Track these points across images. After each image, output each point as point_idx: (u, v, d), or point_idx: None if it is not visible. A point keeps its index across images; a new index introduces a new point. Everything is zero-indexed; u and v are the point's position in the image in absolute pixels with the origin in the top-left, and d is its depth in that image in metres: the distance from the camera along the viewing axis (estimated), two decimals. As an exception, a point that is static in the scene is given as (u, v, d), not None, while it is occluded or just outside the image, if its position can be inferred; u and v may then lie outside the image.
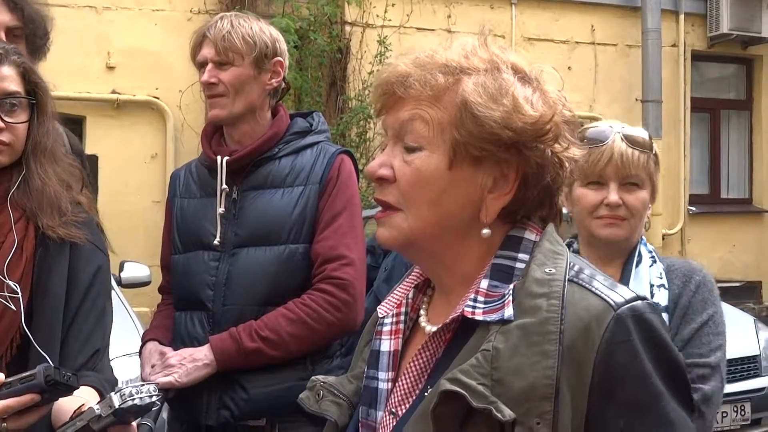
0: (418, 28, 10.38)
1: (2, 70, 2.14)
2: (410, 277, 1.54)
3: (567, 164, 1.40)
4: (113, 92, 9.25)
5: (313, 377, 1.59)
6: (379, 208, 1.44)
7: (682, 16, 11.57)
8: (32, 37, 2.83)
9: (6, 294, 2.11)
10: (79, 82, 8.51)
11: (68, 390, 1.89)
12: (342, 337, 2.78)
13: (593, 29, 11.26)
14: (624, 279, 2.35)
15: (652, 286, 2.37)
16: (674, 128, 11.43)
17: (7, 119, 2.13)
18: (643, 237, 2.48)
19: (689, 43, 11.74)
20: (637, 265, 2.40)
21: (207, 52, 2.75)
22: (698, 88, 12.02)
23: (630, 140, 2.35)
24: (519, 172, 1.37)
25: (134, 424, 1.88)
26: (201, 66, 2.78)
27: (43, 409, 1.91)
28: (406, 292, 1.52)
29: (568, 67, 10.96)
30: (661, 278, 2.39)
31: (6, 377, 1.89)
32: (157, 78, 9.34)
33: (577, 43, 11.20)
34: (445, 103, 1.36)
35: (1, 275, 2.11)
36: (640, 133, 2.41)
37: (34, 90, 2.20)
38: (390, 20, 9.98)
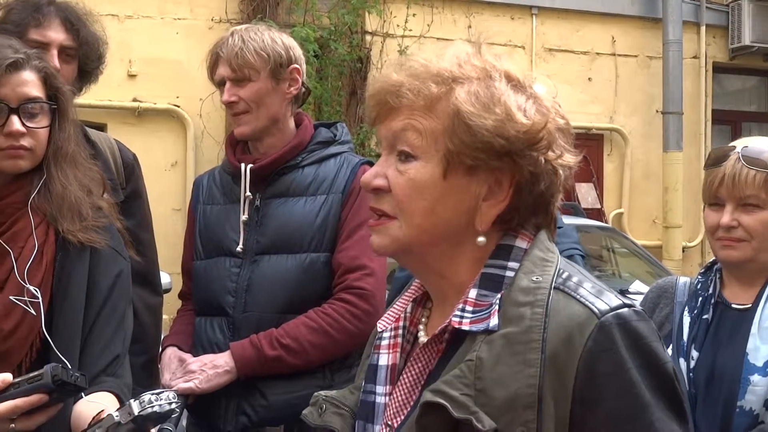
0: (438, 38, 10.37)
1: (24, 75, 2.14)
2: (409, 291, 1.54)
3: (561, 171, 1.39)
4: (134, 100, 9.31)
5: (315, 393, 1.59)
6: None
7: (703, 28, 11.53)
8: (85, 59, 2.85)
9: (26, 298, 2.10)
10: (101, 90, 8.49)
11: (76, 390, 1.89)
12: (362, 347, 2.76)
13: (614, 40, 11.24)
14: (756, 303, 2.28)
15: None
16: (695, 140, 11.38)
17: (28, 124, 2.13)
18: None
19: (710, 54, 11.69)
20: None
21: (223, 71, 2.76)
22: (719, 100, 11.98)
23: (748, 160, 2.26)
24: (513, 180, 1.37)
25: (153, 430, 1.87)
26: (219, 84, 2.79)
27: (52, 410, 1.90)
28: (404, 305, 1.52)
29: (589, 78, 10.94)
30: None
31: (14, 378, 1.88)
32: (178, 86, 9.39)
33: (597, 54, 11.18)
34: (438, 113, 1.36)
35: (21, 280, 2.10)
36: (762, 152, 2.28)
37: (55, 95, 2.21)
38: (410, 30, 10.00)
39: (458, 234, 1.39)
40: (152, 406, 1.76)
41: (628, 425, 1.27)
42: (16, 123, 2.10)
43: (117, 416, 1.78)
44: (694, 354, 2.28)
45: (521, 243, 1.41)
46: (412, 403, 1.39)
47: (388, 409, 1.43)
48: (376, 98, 1.43)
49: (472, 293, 1.36)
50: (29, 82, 2.15)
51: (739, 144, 2.31)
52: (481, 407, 1.24)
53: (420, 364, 1.41)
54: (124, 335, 2.25)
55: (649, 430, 1.27)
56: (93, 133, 3.02)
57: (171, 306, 3.17)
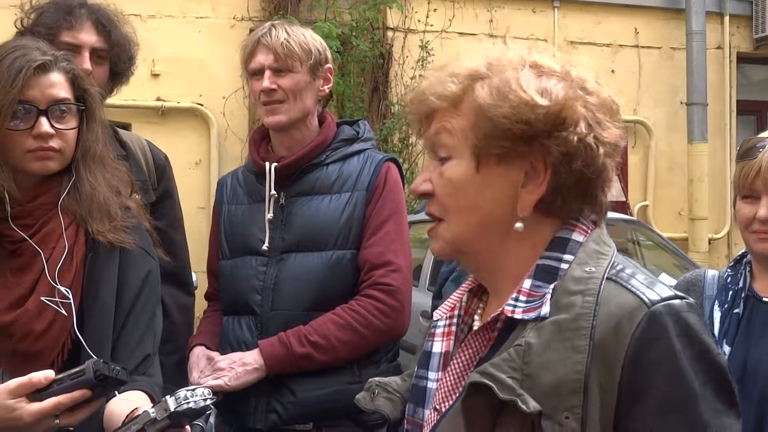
0: (460, 33, 10.35)
1: (51, 76, 2.16)
2: (466, 282, 1.57)
3: (600, 148, 1.39)
4: (158, 99, 9.34)
5: (370, 379, 1.63)
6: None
7: (727, 18, 11.41)
8: (116, 60, 2.88)
9: (58, 299, 2.12)
10: (125, 90, 8.56)
11: (118, 384, 1.90)
12: (389, 342, 2.80)
13: (637, 32, 11.15)
14: None
15: None
16: (720, 131, 11.29)
17: (57, 125, 2.14)
18: None
19: (734, 45, 11.58)
20: None
21: (264, 59, 2.77)
22: (744, 91, 11.86)
23: None
24: (547, 162, 1.38)
25: (188, 427, 1.88)
26: (254, 73, 2.80)
27: (95, 404, 1.92)
28: (460, 296, 1.55)
29: (612, 71, 10.87)
30: None
31: (56, 374, 1.90)
32: (201, 85, 9.42)
33: (620, 46, 11.10)
34: (464, 110, 1.41)
35: (52, 281, 2.12)
36: None
37: (83, 96, 2.22)
38: (432, 25, 9.97)
39: (503, 225, 1.41)
40: (188, 402, 1.77)
41: (675, 415, 1.27)
42: (45, 125, 2.11)
43: (153, 413, 1.79)
44: (726, 349, 2.25)
45: (578, 236, 1.42)
46: (460, 388, 1.41)
47: (437, 393, 1.46)
48: (410, 109, 1.49)
49: (526, 283, 1.39)
50: (57, 84, 2.16)
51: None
52: (527, 391, 1.26)
53: (471, 351, 1.44)
54: (154, 335, 2.27)
55: (697, 421, 1.27)
56: (124, 134, 3.04)
57: (197, 304, 3.19)
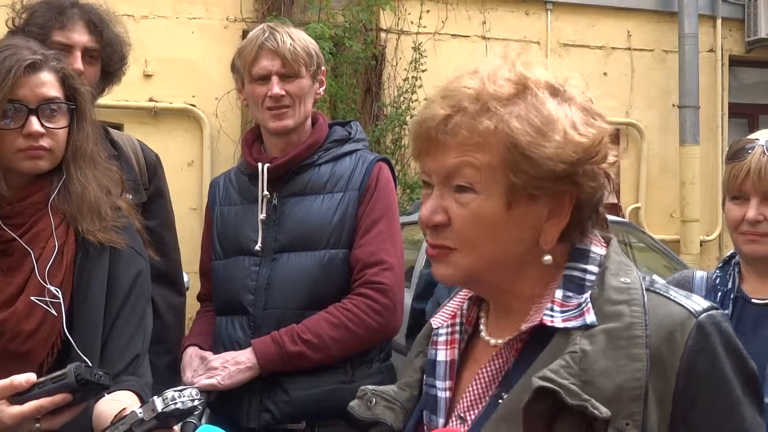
0: (453, 35, 10.35)
1: (42, 75, 2.15)
2: (464, 290, 1.56)
3: (612, 174, 1.42)
4: (150, 100, 9.32)
5: (362, 387, 1.60)
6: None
7: (719, 21, 11.45)
8: (108, 60, 2.88)
9: (48, 299, 2.11)
10: (117, 90, 8.53)
11: (100, 389, 1.89)
12: (382, 341, 2.80)
13: (629, 35, 11.17)
14: None
15: None
16: (712, 134, 11.31)
17: (47, 125, 2.14)
18: None
19: (726, 48, 11.61)
20: None
21: (270, 64, 2.77)
22: (736, 94, 11.89)
23: None
24: (573, 198, 1.38)
25: (176, 428, 1.87)
26: (259, 79, 2.79)
27: (76, 408, 1.91)
28: (460, 303, 1.54)
29: (604, 73, 10.89)
30: None
31: (38, 377, 1.89)
32: (194, 86, 9.41)
33: (613, 48, 11.12)
34: (492, 145, 1.34)
35: (42, 280, 2.11)
36: None
37: (73, 95, 2.21)
38: (425, 27, 9.97)
39: (523, 255, 1.40)
40: (175, 403, 1.77)
41: (726, 420, 1.32)
42: (35, 124, 2.11)
43: (140, 413, 1.79)
44: None
45: (596, 248, 1.44)
46: (488, 398, 1.41)
47: (459, 402, 1.45)
48: (423, 133, 1.39)
49: (558, 294, 1.38)
50: (47, 83, 2.16)
51: (762, 136, 2.27)
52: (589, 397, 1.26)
53: (499, 362, 1.43)
54: (144, 335, 2.26)
55: (744, 425, 1.33)
56: (116, 134, 3.03)
57: (189, 305, 3.18)
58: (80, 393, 1.86)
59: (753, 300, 2.30)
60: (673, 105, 11.13)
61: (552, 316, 1.36)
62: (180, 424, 1.91)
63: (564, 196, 1.37)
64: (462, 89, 1.37)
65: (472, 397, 1.44)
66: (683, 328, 1.32)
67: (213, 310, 2.92)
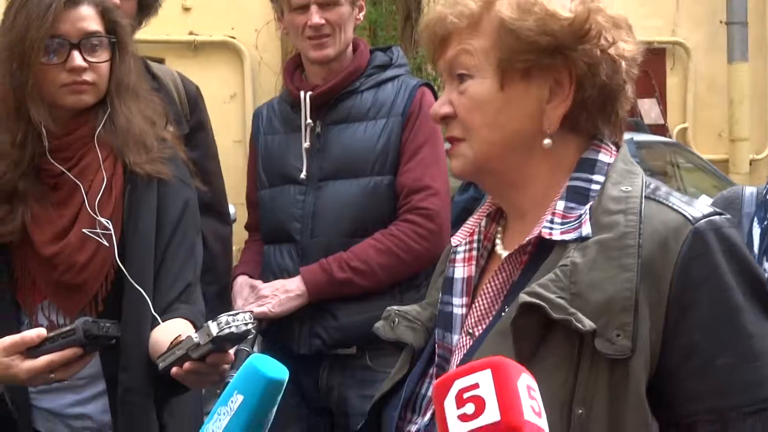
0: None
1: (81, 10, 2.15)
2: (483, 207, 1.55)
3: (621, 62, 1.39)
4: (190, 34, 9.31)
5: (387, 308, 1.62)
6: None
7: (768, -67, 11.13)
8: None
9: (99, 231, 2.14)
10: (157, 25, 8.52)
11: (108, 340, 1.96)
12: (429, 266, 2.79)
13: (675, -49, 10.91)
14: None
15: None
16: (760, 51, 11.07)
17: (89, 59, 2.14)
18: None
19: (776, -40, 11.31)
20: None
21: None
22: (786, 8, 11.60)
23: None
24: (572, 75, 1.38)
25: (231, 351, 1.91)
26: (298, 8, 2.78)
27: (88, 358, 1.97)
28: (478, 221, 1.54)
29: (649, -9, 10.67)
30: None
31: (71, 323, 1.96)
32: (233, 18, 9.38)
33: (658, -35, 10.87)
34: (484, 30, 1.39)
35: (93, 213, 2.14)
36: None
37: (114, 28, 2.21)
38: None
39: (528, 141, 1.40)
40: (229, 327, 1.80)
41: (722, 328, 1.29)
42: (77, 58, 2.12)
43: (196, 338, 1.83)
44: (767, 266, 2.23)
45: (604, 157, 1.42)
46: (494, 312, 1.41)
47: (468, 318, 1.46)
48: (427, 34, 1.46)
49: (560, 205, 1.38)
50: (88, 17, 2.16)
51: None
52: (578, 310, 1.26)
53: (503, 275, 1.43)
54: (195, 263, 2.29)
55: (742, 332, 1.29)
56: (155, 67, 3.04)
57: (237, 237, 3.21)
58: (89, 346, 1.93)
59: None
60: (721, 22, 10.88)
61: (551, 229, 1.36)
62: (234, 350, 1.94)
63: (561, 74, 1.37)
64: None
65: (479, 312, 1.45)
66: (678, 234, 1.29)
67: (261, 238, 2.95)
